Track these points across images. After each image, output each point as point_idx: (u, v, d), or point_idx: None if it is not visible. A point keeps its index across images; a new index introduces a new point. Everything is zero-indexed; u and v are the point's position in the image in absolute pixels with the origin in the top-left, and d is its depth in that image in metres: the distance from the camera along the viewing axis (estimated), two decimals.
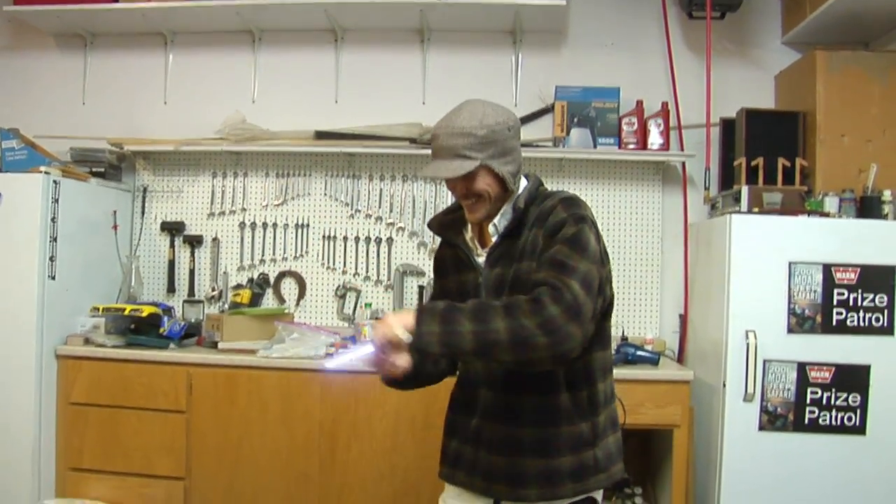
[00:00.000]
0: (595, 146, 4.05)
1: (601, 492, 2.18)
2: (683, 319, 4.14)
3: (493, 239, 2.19)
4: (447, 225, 2.32)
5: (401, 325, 1.88)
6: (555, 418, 2.09)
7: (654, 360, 3.64)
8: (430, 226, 2.39)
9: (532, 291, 1.91)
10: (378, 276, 4.29)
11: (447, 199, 4.15)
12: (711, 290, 3.68)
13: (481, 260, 2.20)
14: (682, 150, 4.15)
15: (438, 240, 2.41)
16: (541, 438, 2.09)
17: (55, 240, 3.68)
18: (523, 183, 2.23)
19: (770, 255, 3.41)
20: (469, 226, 2.26)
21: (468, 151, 2.06)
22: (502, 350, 1.86)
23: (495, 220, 2.18)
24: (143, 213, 4.43)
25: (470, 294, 2.17)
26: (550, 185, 4.04)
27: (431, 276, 4.10)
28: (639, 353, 3.64)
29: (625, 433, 3.51)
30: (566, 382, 2.10)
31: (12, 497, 3.62)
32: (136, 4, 4.12)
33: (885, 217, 3.53)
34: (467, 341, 1.86)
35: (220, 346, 3.80)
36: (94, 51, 4.54)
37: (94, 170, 4.13)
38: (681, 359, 4.10)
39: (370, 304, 4.20)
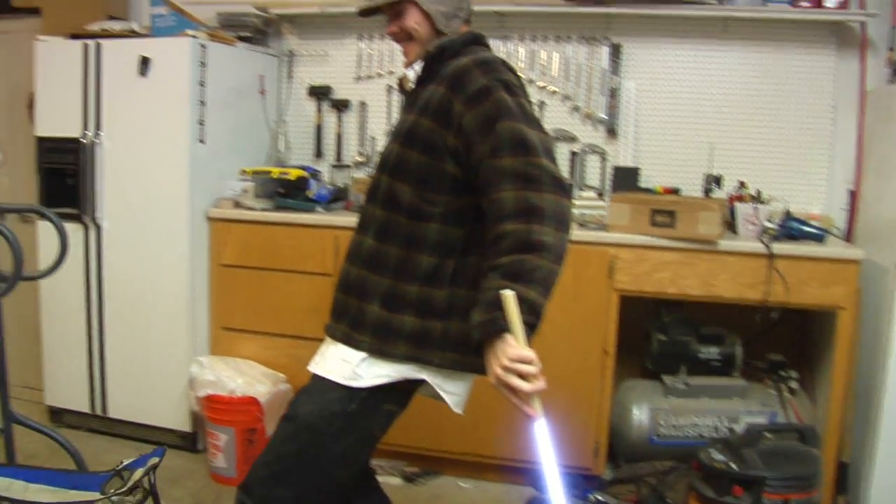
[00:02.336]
0: (764, 3, 3.69)
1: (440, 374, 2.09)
2: (853, 195, 3.82)
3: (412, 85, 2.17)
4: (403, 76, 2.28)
5: (514, 345, 1.70)
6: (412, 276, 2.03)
7: (819, 237, 3.38)
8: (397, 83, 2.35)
9: (499, 186, 1.83)
10: None
11: (603, 61, 3.93)
12: (890, 164, 3.36)
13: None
14: (862, 7, 3.72)
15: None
16: (392, 292, 2.04)
17: (203, 104, 3.68)
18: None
19: None
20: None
21: None
22: (559, 266, 1.79)
23: (415, 66, 2.15)
24: (289, 77, 4.39)
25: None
26: (713, 49, 3.81)
27: (583, 141, 3.99)
28: (804, 228, 3.38)
29: (784, 312, 3.38)
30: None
31: (170, 354, 3.79)
32: None
33: None
34: (543, 293, 1.76)
35: None
36: None
37: (240, 34, 4.09)
38: (849, 237, 3.80)
39: None
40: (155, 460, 2.13)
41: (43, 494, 2.12)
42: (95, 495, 2.08)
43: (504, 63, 2.04)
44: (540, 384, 1.70)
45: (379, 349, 2.03)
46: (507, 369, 1.69)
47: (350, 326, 2.08)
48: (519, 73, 2.10)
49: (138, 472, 2.08)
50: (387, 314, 2.03)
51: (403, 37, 2.14)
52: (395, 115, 4.23)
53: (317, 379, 2.09)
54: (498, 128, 1.86)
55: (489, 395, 3.36)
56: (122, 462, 2.18)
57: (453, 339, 2.03)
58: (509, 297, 1.67)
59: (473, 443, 3.61)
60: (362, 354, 2.04)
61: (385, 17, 2.18)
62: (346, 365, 2.04)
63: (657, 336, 3.53)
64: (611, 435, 3.52)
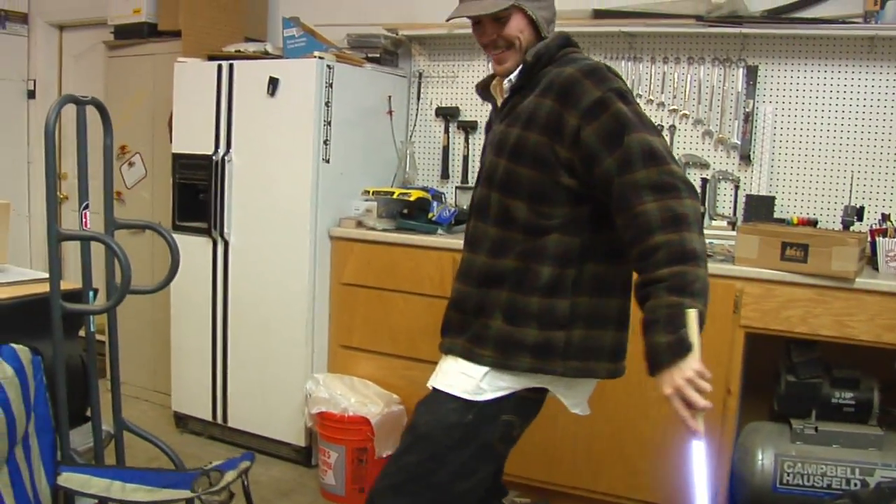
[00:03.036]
0: None
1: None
2: None
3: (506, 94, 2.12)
4: (487, 83, 2.27)
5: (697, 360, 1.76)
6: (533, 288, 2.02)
7: None
8: (475, 87, 2.34)
9: (639, 200, 1.83)
10: None
11: (738, 84, 3.74)
12: None
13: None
14: None
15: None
16: (513, 305, 2.03)
17: (329, 124, 3.73)
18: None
19: None
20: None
21: None
22: (707, 270, 1.84)
23: (511, 76, 2.09)
24: (418, 98, 4.40)
25: (486, 150, 2.17)
26: (857, 70, 3.56)
27: (715, 168, 3.84)
28: None
29: None
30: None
31: (288, 368, 3.85)
32: None
33: None
34: (704, 302, 1.80)
35: None
36: None
37: (369, 55, 4.14)
38: None
39: None
40: (246, 464, 2.25)
41: (139, 493, 2.25)
42: (187, 493, 2.21)
43: (609, 69, 2.00)
44: (710, 403, 1.74)
45: (503, 363, 2.03)
46: (689, 382, 1.73)
47: (471, 342, 2.08)
48: (622, 77, 2.07)
49: (230, 475, 2.20)
50: (509, 328, 2.03)
51: (503, 44, 2.08)
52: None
53: (436, 392, 2.10)
54: (626, 142, 1.86)
55: (607, 427, 3.28)
56: (210, 462, 2.27)
57: (576, 347, 2.03)
58: (693, 315, 1.74)
59: (586, 477, 3.49)
60: (485, 368, 2.04)
61: (476, 24, 2.12)
62: (469, 380, 2.05)
63: (786, 377, 3.30)
64: (731, 479, 3.32)
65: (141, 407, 4.48)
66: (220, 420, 4.05)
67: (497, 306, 2.04)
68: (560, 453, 3.50)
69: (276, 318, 3.85)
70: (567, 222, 1.99)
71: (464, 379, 2.05)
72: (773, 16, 3.59)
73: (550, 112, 1.94)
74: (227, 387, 4.01)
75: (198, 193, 3.99)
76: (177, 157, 4.05)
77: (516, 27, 2.05)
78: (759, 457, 3.24)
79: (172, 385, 4.21)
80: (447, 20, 2.20)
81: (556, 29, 3.54)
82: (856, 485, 3.12)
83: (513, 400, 2.06)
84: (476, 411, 2.03)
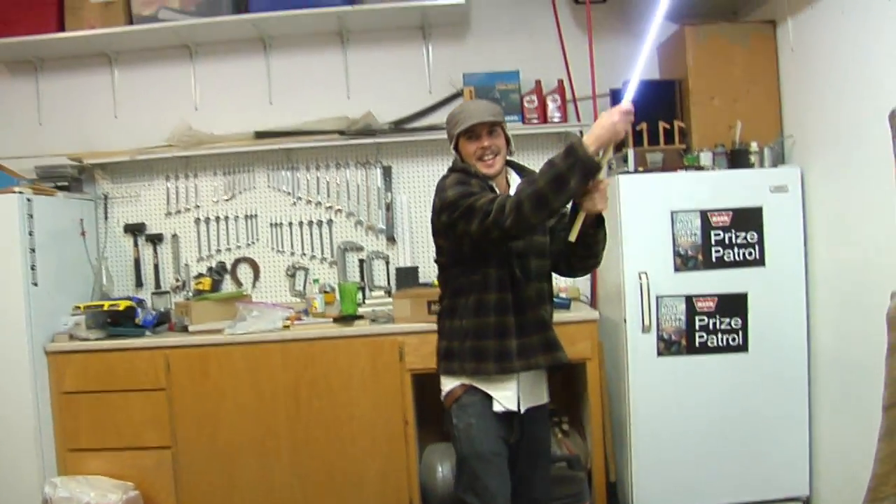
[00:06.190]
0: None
1: None
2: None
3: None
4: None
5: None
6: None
7: (565, 305, 4.20)
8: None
9: None
10: (322, 255, 4.83)
11: (377, 181, 4.72)
12: (611, 241, 4.21)
13: None
14: (579, 120, 4.69)
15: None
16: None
17: (33, 250, 4.12)
18: None
19: (655, 207, 3.92)
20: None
21: (499, 116, 2.94)
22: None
23: (509, 178, 3.03)
24: (106, 218, 4.88)
25: None
26: None
27: (368, 249, 4.73)
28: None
29: (550, 369, 4.10)
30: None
31: (21, 478, 4.09)
32: (79, 32, 4.52)
33: (751, 166, 4.03)
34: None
35: (190, 329, 4.28)
36: (44, 74, 4.92)
37: (58, 184, 4.56)
38: (594, 302, 4.66)
39: (318, 280, 4.74)
40: None
41: None
42: None
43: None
44: None
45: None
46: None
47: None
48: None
49: None
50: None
51: (494, 151, 2.91)
52: (205, 243, 4.84)
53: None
54: None
55: (319, 470, 3.93)
56: None
57: None
58: None
59: None
60: None
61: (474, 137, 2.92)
62: None
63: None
64: (421, 490, 4.13)
65: None
66: None
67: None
68: (280, 496, 4.15)
69: (2, 435, 4.09)
70: None
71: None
72: (397, 126, 4.60)
73: None
74: None
75: None
76: None
77: (501, 141, 2.93)
78: (440, 469, 4.06)
79: None
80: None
81: (234, 150, 4.31)
82: None
83: None
84: None
